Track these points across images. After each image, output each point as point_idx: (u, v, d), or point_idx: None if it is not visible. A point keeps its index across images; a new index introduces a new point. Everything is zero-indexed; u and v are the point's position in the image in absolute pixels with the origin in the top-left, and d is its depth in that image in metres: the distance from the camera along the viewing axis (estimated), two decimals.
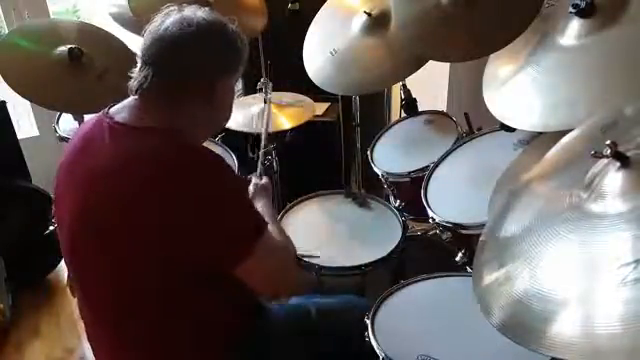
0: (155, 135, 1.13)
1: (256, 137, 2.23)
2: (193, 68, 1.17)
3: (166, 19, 1.16)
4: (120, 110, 1.18)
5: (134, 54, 1.92)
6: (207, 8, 1.20)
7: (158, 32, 1.15)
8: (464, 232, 1.47)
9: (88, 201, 1.13)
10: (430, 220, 1.58)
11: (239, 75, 1.27)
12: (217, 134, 2.18)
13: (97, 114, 1.21)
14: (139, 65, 1.17)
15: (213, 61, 1.18)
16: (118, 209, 1.10)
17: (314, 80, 1.87)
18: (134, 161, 1.11)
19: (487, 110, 1.38)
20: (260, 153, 1.72)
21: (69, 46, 1.82)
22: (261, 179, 1.60)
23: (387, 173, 1.88)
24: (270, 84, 2.09)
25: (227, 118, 1.31)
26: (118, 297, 1.16)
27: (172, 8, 1.18)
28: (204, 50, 1.17)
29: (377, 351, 1.22)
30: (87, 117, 1.94)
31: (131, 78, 1.18)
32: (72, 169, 1.19)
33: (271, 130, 2.05)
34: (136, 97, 1.17)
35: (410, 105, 2.01)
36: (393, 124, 2.15)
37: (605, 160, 0.83)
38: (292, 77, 2.01)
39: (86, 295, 1.24)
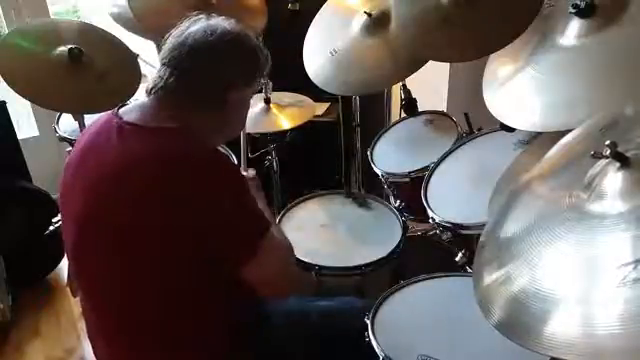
0: (162, 135, 1.14)
1: (255, 138, 2.23)
2: (208, 75, 1.18)
3: (192, 26, 1.19)
4: (130, 110, 1.19)
5: (134, 54, 1.93)
6: (233, 20, 1.23)
7: (181, 37, 1.18)
8: (464, 232, 1.47)
9: (94, 200, 1.13)
10: (430, 220, 1.57)
11: (255, 88, 1.30)
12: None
13: (107, 113, 1.22)
14: (158, 67, 1.20)
15: (228, 71, 1.20)
16: (124, 209, 1.10)
17: (314, 80, 1.87)
18: (140, 161, 1.11)
19: (487, 110, 1.38)
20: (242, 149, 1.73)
21: (69, 46, 1.81)
22: (247, 172, 1.59)
23: (387, 173, 1.88)
24: (270, 84, 2.09)
25: (240, 128, 1.34)
26: (120, 296, 1.17)
27: (200, 16, 1.22)
28: (220, 59, 1.19)
29: (377, 351, 1.22)
30: (87, 117, 1.94)
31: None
32: (80, 168, 1.20)
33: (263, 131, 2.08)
34: (150, 97, 1.19)
35: (410, 105, 2.00)
36: (393, 124, 2.15)
37: (605, 160, 0.83)
38: (292, 77, 2.01)
39: (88, 294, 1.24)
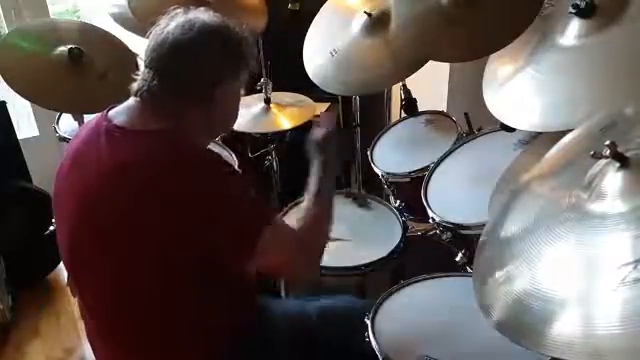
0: (153, 137, 1.13)
1: (255, 138, 2.23)
2: (191, 73, 1.16)
3: (170, 22, 1.16)
4: (119, 113, 1.18)
5: (134, 54, 1.93)
6: (212, 12, 1.19)
7: (160, 36, 1.14)
8: (464, 232, 1.47)
9: (88, 205, 1.13)
10: (430, 220, 1.57)
11: (243, 81, 1.25)
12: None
13: (97, 116, 1.21)
14: (142, 68, 1.17)
15: (212, 67, 1.17)
16: (117, 212, 1.10)
17: (314, 80, 1.87)
18: (129, 165, 1.11)
19: (487, 110, 1.38)
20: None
21: (69, 46, 1.82)
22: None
23: (387, 173, 1.88)
24: (270, 84, 2.09)
25: (231, 122, 1.31)
26: (118, 298, 1.17)
27: (178, 11, 1.18)
28: (203, 55, 1.16)
29: (377, 351, 1.22)
30: (87, 117, 1.94)
31: (133, 79, 1.18)
32: (71, 173, 1.19)
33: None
34: (137, 99, 1.17)
35: (410, 105, 2.00)
36: (393, 124, 2.15)
37: (605, 160, 0.83)
38: (292, 77, 2.01)
39: (86, 296, 1.24)
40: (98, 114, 1.21)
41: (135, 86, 1.17)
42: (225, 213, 1.12)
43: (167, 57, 1.14)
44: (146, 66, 1.16)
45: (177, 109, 1.16)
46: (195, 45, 1.14)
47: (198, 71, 1.16)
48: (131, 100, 1.19)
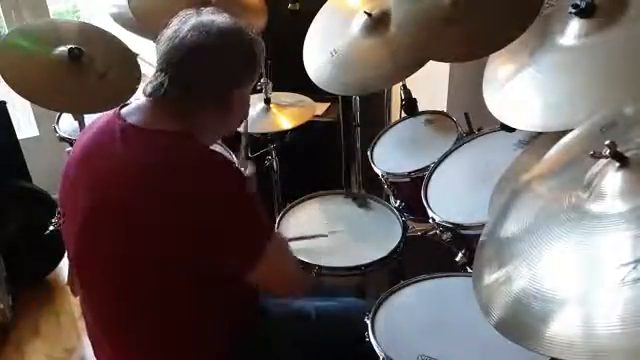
0: (166, 138, 1.13)
1: (255, 138, 2.23)
2: (208, 77, 1.16)
3: (183, 25, 1.15)
4: (132, 112, 1.18)
5: (134, 54, 1.93)
6: (225, 13, 1.19)
7: (175, 39, 1.14)
8: (464, 232, 1.47)
9: (97, 201, 1.13)
10: (430, 220, 1.57)
11: (255, 82, 1.27)
12: None
13: (107, 114, 1.21)
14: (155, 70, 1.17)
15: (228, 70, 1.18)
16: (127, 210, 1.10)
17: (314, 80, 1.87)
18: (144, 163, 1.11)
19: (487, 110, 1.38)
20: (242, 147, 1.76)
21: (69, 46, 1.81)
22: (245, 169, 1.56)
23: (387, 173, 1.88)
24: (270, 84, 2.09)
25: (238, 124, 1.32)
26: (121, 297, 1.17)
27: (189, 12, 1.18)
28: (220, 59, 1.16)
29: (377, 351, 1.22)
30: (87, 117, 1.94)
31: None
32: (81, 169, 1.19)
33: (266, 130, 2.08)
34: (150, 100, 1.17)
35: (410, 105, 2.01)
36: (393, 124, 2.15)
37: (604, 160, 0.84)
38: (292, 77, 2.01)
39: (89, 294, 1.25)
40: (108, 112, 1.21)
41: (149, 87, 1.17)
42: (233, 217, 1.12)
43: (183, 60, 1.14)
44: (160, 69, 1.16)
45: (191, 111, 1.17)
46: (212, 49, 1.14)
47: (214, 74, 1.16)
48: (143, 100, 1.19)
